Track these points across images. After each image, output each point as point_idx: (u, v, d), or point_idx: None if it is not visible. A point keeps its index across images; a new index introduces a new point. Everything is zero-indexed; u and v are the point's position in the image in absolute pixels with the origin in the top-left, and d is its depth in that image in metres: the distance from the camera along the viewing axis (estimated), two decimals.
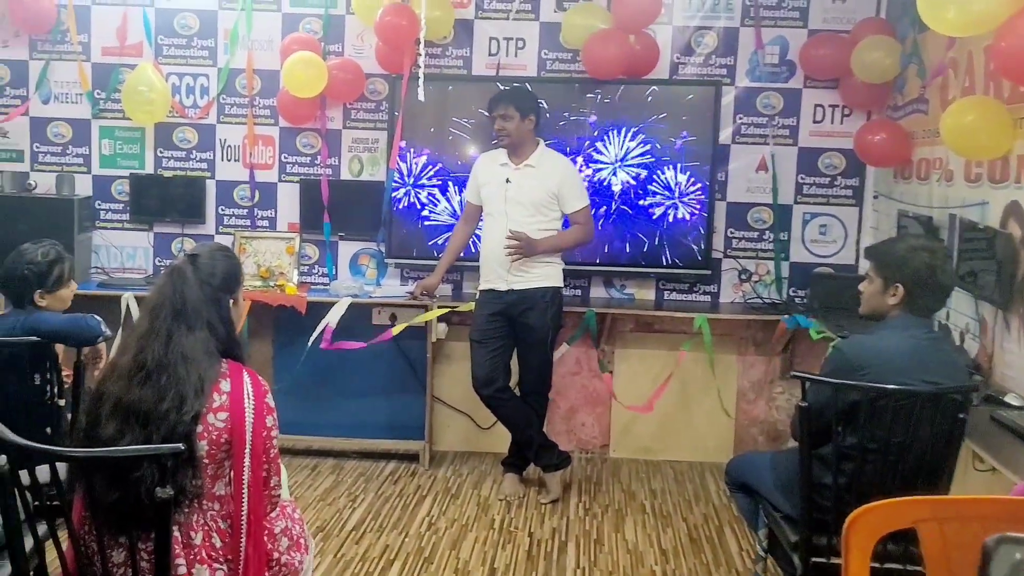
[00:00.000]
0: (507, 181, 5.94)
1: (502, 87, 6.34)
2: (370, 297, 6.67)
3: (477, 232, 6.29)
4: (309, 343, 6.46)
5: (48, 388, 4.42)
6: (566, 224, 6.03)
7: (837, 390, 3.65)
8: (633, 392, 6.84)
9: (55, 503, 3.01)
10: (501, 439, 6.47)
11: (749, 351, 6.85)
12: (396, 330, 6.47)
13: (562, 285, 6.07)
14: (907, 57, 6.03)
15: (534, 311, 5.94)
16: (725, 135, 6.73)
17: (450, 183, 6.68)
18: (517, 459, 6.31)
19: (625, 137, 6.61)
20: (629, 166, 6.62)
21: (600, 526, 5.78)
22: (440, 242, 6.64)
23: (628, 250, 6.69)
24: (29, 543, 3.06)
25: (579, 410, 7.01)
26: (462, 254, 6.39)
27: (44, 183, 6.95)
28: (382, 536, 5.53)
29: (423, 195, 6.72)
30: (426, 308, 6.46)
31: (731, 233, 6.85)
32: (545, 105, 6.35)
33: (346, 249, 7.00)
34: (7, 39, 6.97)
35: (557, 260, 6.04)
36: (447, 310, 6.50)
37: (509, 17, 6.77)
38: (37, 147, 7.06)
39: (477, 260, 6.18)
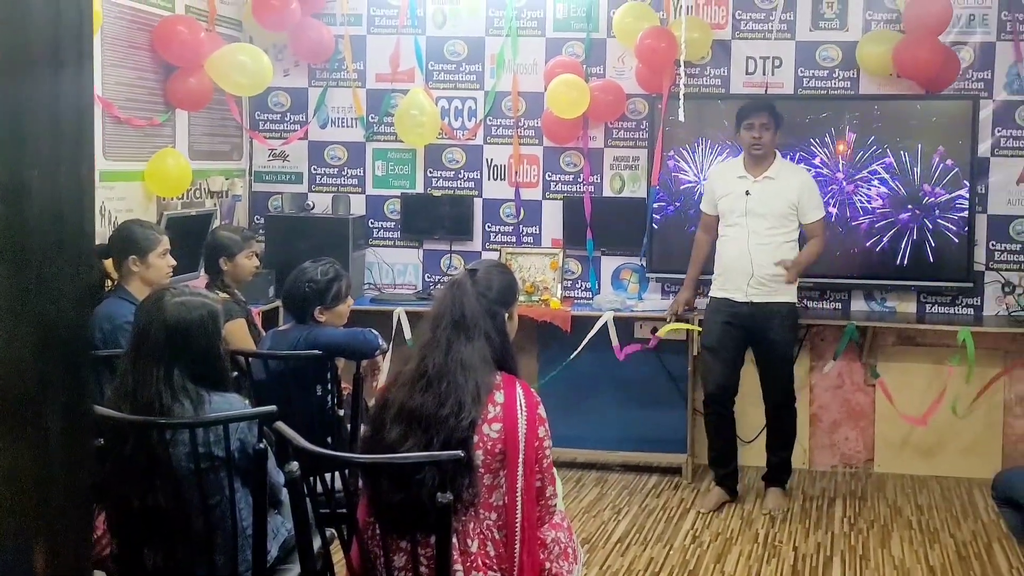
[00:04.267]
0: (747, 193, 5.97)
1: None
2: (632, 311, 6.77)
3: None
4: (572, 356, 6.67)
5: (329, 399, 4.62)
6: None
7: None
8: (899, 405, 6.74)
9: (341, 510, 3.20)
10: (762, 453, 6.43)
11: (1016, 365, 6.65)
12: (662, 331, 6.54)
13: (796, 301, 6.14)
14: None
15: (776, 325, 6.00)
16: (984, 148, 6.62)
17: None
18: (779, 472, 6.29)
19: (883, 152, 6.57)
20: (887, 181, 6.58)
21: (866, 541, 5.72)
22: None
23: (887, 263, 6.65)
24: (317, 544, 3.28)
25: (842, 424, 6.95)
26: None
27: (321, 203, 7.30)
28: (647, 549, 5.57)
29: (684, 210, 6.79)
30: (688, 321, 6.54)
31: (993, 246, 6.72)
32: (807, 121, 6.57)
33: (608, 264, 7.13)
34: (288, 68, 7.35)
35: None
36: (693, 328, 6.50)
37: (766, 37, 6.83)
38: (315, 169, 7.44)
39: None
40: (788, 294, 6.03)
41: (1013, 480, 4.45)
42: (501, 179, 7.22)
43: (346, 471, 3.22)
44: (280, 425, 3.20)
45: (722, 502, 6.21)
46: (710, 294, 6.21)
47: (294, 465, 3.03)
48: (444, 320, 3.20)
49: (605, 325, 6.64)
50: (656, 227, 6.85)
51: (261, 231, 7.07)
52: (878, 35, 6.62)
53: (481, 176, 7.25)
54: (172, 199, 6.38)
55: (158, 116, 6.27)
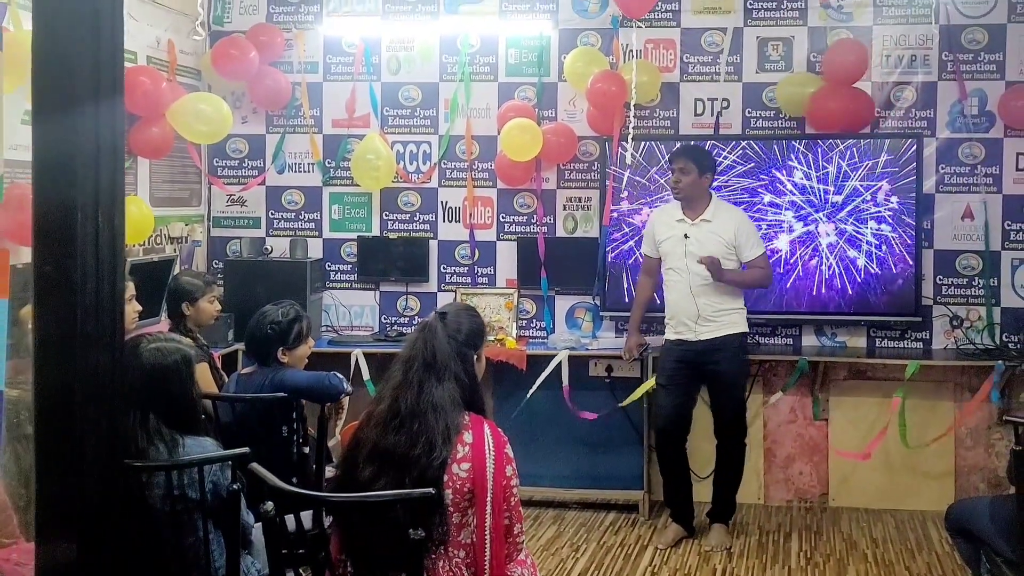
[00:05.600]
0: (685, 236, 6.06)
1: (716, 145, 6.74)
2: (586, 350, 6.89)
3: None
4: (528, 395, 6.76)
5: (295, 439, 4.69)
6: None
7: None
8: (850, 439, 6.88)
9: (310, 550, 3.27)
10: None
11: (965, 397, 6.77)
12: (627, 402, 6.74)
13: (747, 331, 6.23)
14: None
15: (726, 357, 6.09)
16: (928, 185, 6.82)
17: None
18: (725, 508, 6.36)
19: (830, 190, 6.74)
20: (835, 217, 6.74)
21: (822, 575, 5.76)
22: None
23: (838, 298, 6.79)
24: None
25: (796, 459, 7.04)
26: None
27: (279, 247, 7.37)
28: None
29: (636, 250, 6.84)
30: (642, 362, 6.68)
31: (940, 280, 6.90)
32: (755, 161, 6.74)
33: (562, 303, 7.25)
34: (246, 115, 7.43)
35: (741, 306, 6.17)
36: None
37: (714, 79, 7.01)
38: (272, 214, 7.52)
39: (663, 312, 6.33)
40: (738, 326, 6.12)
41: (965, 511, 4.55)
42: (456, 221, 7.34)
43: (315, 510, 3.27)
44: (255, 466, 3.27)
45: (679, 538, 6.27)
46: (665, 336, 6.28)
47: (269, 505, 3.09)
48: (416, 362, 3.29)
49: (559, 364, 6.76)
50: (609, 267, 6.97)
51: (220, 275, 7.11)
52: (798, 78, 6.85)
53: (436, 218, 7.36)
54: (134, 246, 6.44)
55: None
